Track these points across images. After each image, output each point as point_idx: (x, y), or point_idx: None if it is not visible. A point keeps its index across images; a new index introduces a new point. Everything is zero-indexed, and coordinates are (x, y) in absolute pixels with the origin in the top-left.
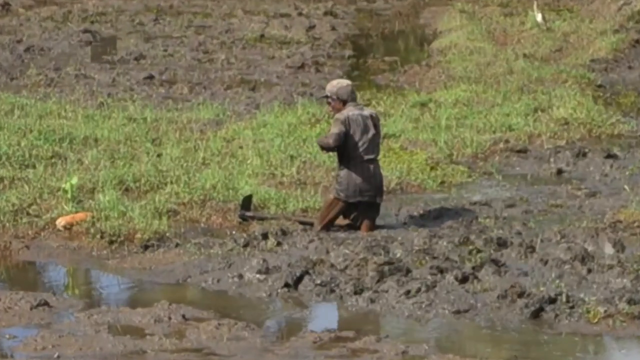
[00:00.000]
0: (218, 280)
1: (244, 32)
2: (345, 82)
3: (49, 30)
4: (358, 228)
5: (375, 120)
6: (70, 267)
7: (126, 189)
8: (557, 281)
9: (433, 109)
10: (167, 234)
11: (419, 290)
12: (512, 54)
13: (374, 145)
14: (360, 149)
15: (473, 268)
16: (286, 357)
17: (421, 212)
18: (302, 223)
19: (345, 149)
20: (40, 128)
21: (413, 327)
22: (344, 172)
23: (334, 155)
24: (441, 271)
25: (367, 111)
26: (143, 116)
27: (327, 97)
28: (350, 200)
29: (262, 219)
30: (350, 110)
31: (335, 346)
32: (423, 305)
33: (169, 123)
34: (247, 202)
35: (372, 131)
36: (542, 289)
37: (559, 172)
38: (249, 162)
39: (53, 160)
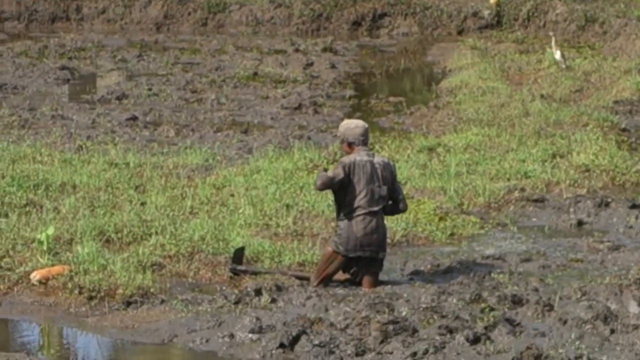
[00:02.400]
0: (207, 340)
1: (236, 70)
2: (355, 123)
3: (23, 67)
4: (359, 284)
5: (385, 170)
6: (45, 325)
7: (107, 240)
8: (578, 342)
9: (442, 154)
10: (152, 290)
11: (426, 352)
12: (528, 94)
13: (379, 196)
14: (364, 200)
15: (485, 328)
16: None
17: (429, 266)
18: (298, 278)
19: (346, 198)
20: (14, 173)
21: None
22: (344, 224)
23: (333, 204)
24: (450, 331)
25: (378, 158)
26: (125, 161)
27: (338, 136)
28: (350, 254)
29: (255, 273)
30: (359, 155)
31: None
32: None
33: (153, 168)
34: (239, 255)
35: (379, 182)
36: (560, 351)
37: (580, 223)
38: (240, 211)
39: (27, 208)
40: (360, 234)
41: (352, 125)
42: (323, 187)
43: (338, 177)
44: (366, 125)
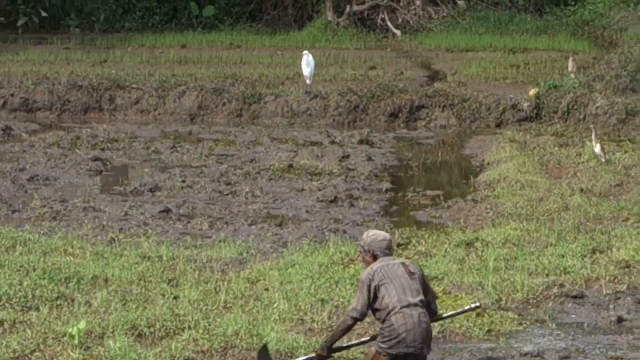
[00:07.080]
0: None
1: (271, 162)
2: (382, 235)
3: (54, 158)
4: None
5: (411, 266)
6: None
7: (139, 335)
8: None
9: (480, 249)
10: None
11: None
12: (567, 188)
13: (412, 288)
14: (395, 297)
15: None
16: None
17: None
18: None
19: (380, 305)
20: (45, 266)
21: None
22: (387, 325)
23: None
24: None
25: (398, 260)
26: (158, 254)
27: (360, 245)
28: (394, 352)
29: None
30: (380, 263)
31: None
32: None
33: (187, 262)
34: (263, 355)
35: (404, 275)
36: None
37: (620, 320)
38: (275, 306)
39: (59, 302)
40: (402, 330)
41: (380, 238)
42: (359, 318)
43: (365, 302)
44: (391, 238)
